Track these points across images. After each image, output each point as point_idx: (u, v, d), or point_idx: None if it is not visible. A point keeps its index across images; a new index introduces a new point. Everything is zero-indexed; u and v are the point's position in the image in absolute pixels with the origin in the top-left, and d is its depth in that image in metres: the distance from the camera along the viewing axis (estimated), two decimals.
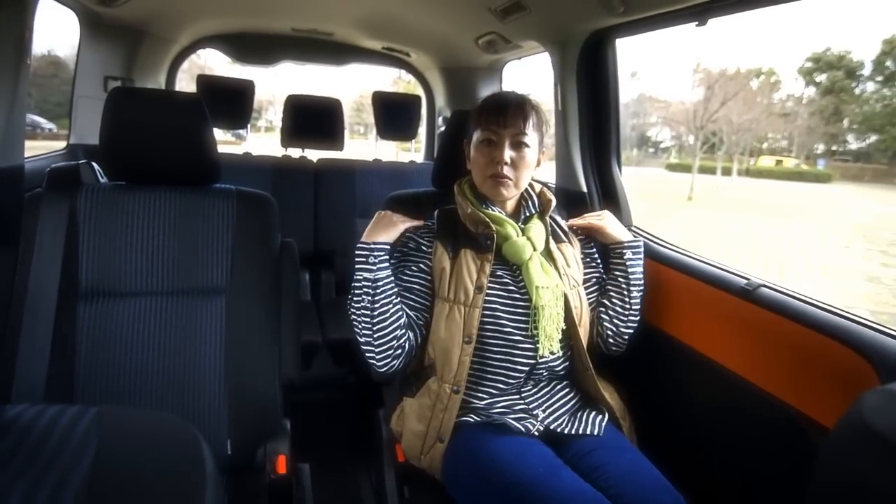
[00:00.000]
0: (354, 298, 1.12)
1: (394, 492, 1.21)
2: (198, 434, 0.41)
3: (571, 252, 1.25)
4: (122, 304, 1.16)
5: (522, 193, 1.22)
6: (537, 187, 1.26)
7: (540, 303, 1.12)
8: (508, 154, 1.14)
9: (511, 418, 1.10)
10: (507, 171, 1.15)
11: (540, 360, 1.13)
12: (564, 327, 1.15)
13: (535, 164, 1.20)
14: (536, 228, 1.20)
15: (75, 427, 0.38)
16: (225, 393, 1.17)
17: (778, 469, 1.06)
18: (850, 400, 0.75)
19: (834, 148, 17.51)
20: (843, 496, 0.70)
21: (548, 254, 1.20)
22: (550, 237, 1.23)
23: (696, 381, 1.29)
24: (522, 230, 1.19)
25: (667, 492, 1.00)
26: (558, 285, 1.15)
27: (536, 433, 1.10)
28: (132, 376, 1.14)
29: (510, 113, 1.15)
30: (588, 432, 1.11)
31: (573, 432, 1.12)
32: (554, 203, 1.24)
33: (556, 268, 1.19)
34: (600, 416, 1.15)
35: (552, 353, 1.13)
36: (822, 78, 17.13)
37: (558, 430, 1.12)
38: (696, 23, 1.28)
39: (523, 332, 1.13)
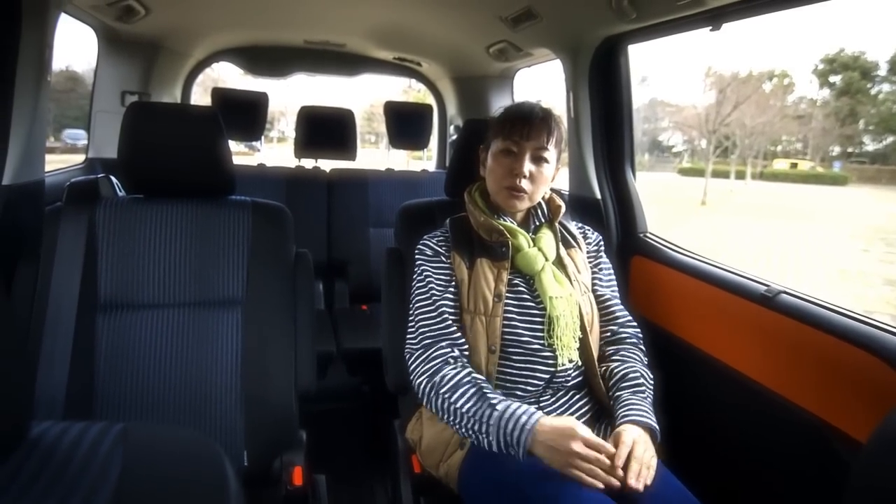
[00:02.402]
0: (451, 417, 1.05)
1: (410, 502, 1.20)
2: (221, 452, 0.41)
3: (581, 257, 1.25)
4: (139, 315, 1.17)
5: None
6: (546, 193, 1.24)
7: (555, 313, 1.11)
8: (528, 167, 1.13)
9: None
10: (524, 184, 1.14)
11: (559, 369, 1.12)
12: (581, 336, 1.14)
13: (552, 178, 1.19)
14: (547, 238, 1.19)
15: (100, 445, 0.38)
16: (241, 404, 1.18)
17: (805, 481, 1.04)
18: (878, 410, 0.73)
19: (850, 150, 17.29)
20: None
21: (559, 261, 1.20)
22: (560, 244, 1.22)
23: (715, 390, 1.27)
24: (533, 240, 1.18)
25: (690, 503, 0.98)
26: (572, 294, 1.15)
27: None
28: (150, 387, 1.14)
29: (535, 126, 1.14)
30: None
31: None
32: (563, 209, 1.23)
33: (568, 275, 1.18)
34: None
35: (571, 360, 1.13)
36: (836, 79, 16.96)
37: None
38: (710, 28, 1.27)
39: (541, 342, 1.12)
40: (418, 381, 1.10)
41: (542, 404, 1.13)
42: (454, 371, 1.07)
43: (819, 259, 8.84)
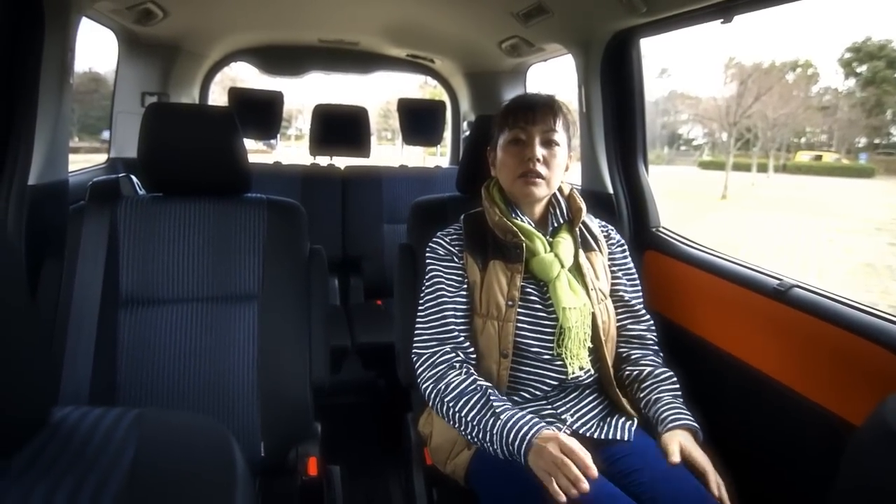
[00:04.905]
0: (456, 424, 1.05)
1: (423, 494, 1.22)
2: (230, 436, 0.43)
3: (601, 261, 1.20)
4: (159, 310, 1.21)
5: (550, 199, 1.17)
6: (566, 189, 1.21)
7: (567, 324, 1.09)
8: (540, 151, 1.10)
9: None
10: (539, 168, 1.10)
11: (570, 377, 1.11)
12: (592, 346, 1.13)
13: (565, 166, 1.16)
14: (565, 243, 1.14)
15: (116, 429, 0.41)
16: (258, 396, 1.21)
17: (815, 473, 1.03)
18: None
19: (877, 141, 16.80)
20: (865, 497, 0.68)
21: (576, 267, 1.15)
22: (580, 248, 1.17)
23: (727, 384, 1.27)
24: (550, 244, 1.14)
25: (705, 499, 0.97)
26: (586, 304, 1.11)
27: None
28: (170, 380, 1.18)
29: (539, 110, 1.11)
30: (618, 437, 1.10)
31: (602, 437, 1.10)
32: (584, 210, 1.19)
33: (585, 283, 1.14)
34: (630, 422, 1.12)
35: (582, 368, 1.11)
36: (862, 69, 16.48)
37: (587, 434, 1.10)
38: (722, 20, 1.26)
39: (551, 352, 1.11)
40: (424, 386, 1.10)
41: (550, 399, 1.14)
42: (459, 377, 1.07)
43: (843, 253, 8.63)
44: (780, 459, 1.13)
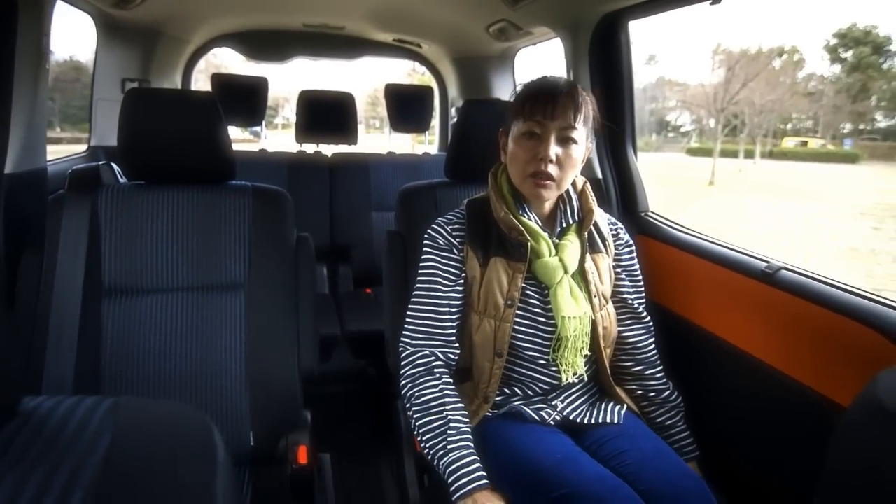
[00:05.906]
0: (414, 431, 1.08)
1: (414, 481, 1.22)
2: (211, 424, 0.42)
3: (606, 263, 1.15)
4: (144, 300, 1.19)
5: (561, 195, 1.12)
6: (579, 183, 1.15)
7: (565, 333, 1.06)
8: (554, 150, 1.02)
9: (528, 408, 1.09)
10: (551, 169, 1.03)
11: (564, 383, 1.11)
12: (589, 353, 1.11)
13: (582, 161, 1.08)
14: (571, 247, 1.09)
15: (91, 418, 0.39)
16: (246, 385, 1.20)
17: (801, 453, 1.05)
18: None
19: (861, 127, 16.97)
20: (856, 476, 0.68)
21: (581, 271, 1.11)
22: (587, 251, 1.12)
23: (715, 366, 1.28)
24: (556, 247, 1.09)
25: (690, 478, 0.99)
26: (586, 313, 1.08)
27: (553, 422, 1.09)
28: (157, 371, 1.16)
29: (560, 103, 1.02)
30: (608, 420, 1.10)
31: (592, 421, 1.10)
32: (595, 213, 1.13)
33: (588, 289, 1.10)
34: (619, 405, 1.13)
35: (576, 374, 1.10)
36: (848, 54, 16.59)
37: (577, 419, 1.11)
38: (710, 1, 1.25)
39: (546, 357, 1.09)
40: (401, 382, 1.10)
41: (544, 394, 1.13)
42: (430, 389, 1.06)
43: (828, 238, 8.74)
44: (769, 440, 1.15)
